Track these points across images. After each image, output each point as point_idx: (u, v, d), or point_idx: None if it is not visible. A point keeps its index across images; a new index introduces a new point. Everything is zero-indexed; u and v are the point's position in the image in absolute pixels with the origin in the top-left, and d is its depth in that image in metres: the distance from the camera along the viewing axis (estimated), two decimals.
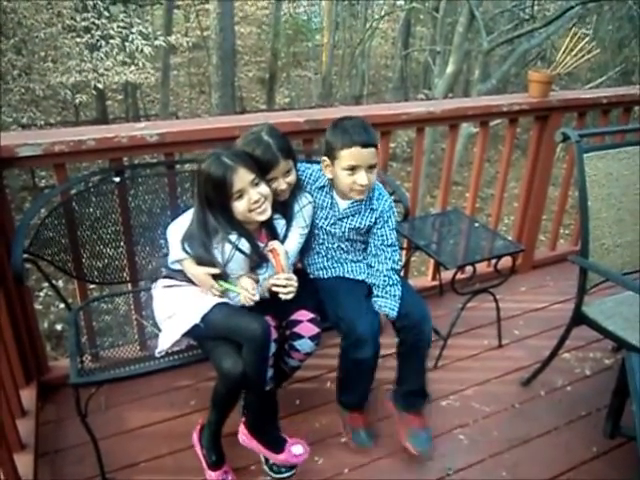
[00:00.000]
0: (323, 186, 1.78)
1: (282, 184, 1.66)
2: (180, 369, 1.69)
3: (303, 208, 1.74)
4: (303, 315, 1.69)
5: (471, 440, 1.91)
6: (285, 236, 1.71)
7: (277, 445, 1.66)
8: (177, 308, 1.62)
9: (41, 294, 6.17)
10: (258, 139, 1.63)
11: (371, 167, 1.67)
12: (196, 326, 1.56)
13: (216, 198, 1.55)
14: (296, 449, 1.66)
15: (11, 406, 1.71)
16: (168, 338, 1.59)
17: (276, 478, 1.72)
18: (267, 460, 1.74)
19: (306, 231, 1.76)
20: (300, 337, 1.67)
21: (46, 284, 1.73)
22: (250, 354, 1.52)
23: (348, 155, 1.64)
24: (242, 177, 1.53)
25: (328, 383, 2.13)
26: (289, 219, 1.72)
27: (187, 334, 1.58)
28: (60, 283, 5.34)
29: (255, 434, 1.66)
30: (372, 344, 1.66)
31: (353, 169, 1.65)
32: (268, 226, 1.67)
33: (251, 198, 1.55)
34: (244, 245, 1.60)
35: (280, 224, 1.71)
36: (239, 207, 1.56)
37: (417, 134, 2.42)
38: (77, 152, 1.78)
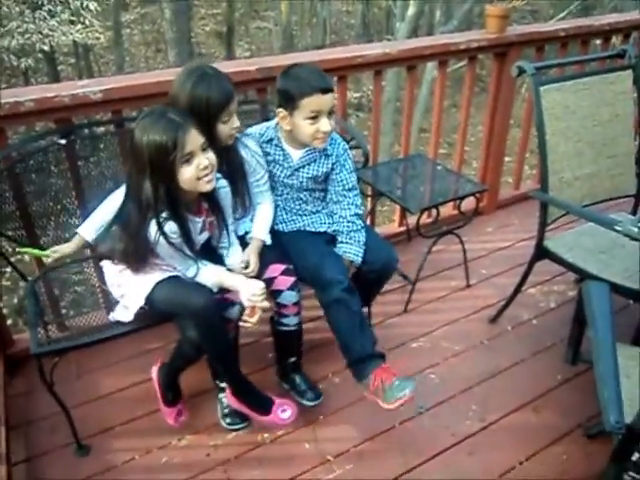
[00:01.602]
0: (271, 139, 1.73)
1: (236, 121, 1.56)
2: (150, 332, 1.67)
3: (254, 154, 1.68)
4: (275, 270, 1.66)
5: (442, 379, 1.96)
6: (235, 194, 1.64)
7: (263, 407, 1.67)
8: (125, 289, 1.57)
9: (8, 270, 6.01)
10: (206, 74, 1.51)
11: (330, 113, 1.63)
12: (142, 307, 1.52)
13: (160, 162, 1.35)
14: (284, 414, 1.68)
15: None
16: (123, 316, 1.57)
17: (231, 429, 1.75)
18: (223, 411, 1.77)
19: (265, 175, 1.72)
20: (280, 292, 1.66)
21: (12, 260, 1.70)
22: (197, 329, 1.49)
23: (310, 103, 1.58)
24: (194, 138, 1.37)
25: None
26: (240, 172, 1.66)
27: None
28: (26, 258, 5.21)
29: (239, 397, 1.66)
30: (341, 282, 1.61)
31: (315, 117, 1.60)
32: (208, 198, 1.54)
33: (200, 163, 1.39)
34: (171, 228, 1.44)
35: (222, 194, 1.58)
36: (185, 174, 1.38)
37: (375, 78, 2.36)
38: (16, 114, 1.68)
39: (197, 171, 1.40)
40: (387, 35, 12.55)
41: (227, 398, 1.70)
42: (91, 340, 1.55)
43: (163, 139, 1.34)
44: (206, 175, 1.42)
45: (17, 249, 1.67)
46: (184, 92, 1.49)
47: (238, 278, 1.57)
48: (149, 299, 1.50)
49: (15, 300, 5.76)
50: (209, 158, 1.42)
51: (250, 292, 1.50)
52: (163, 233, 1.42)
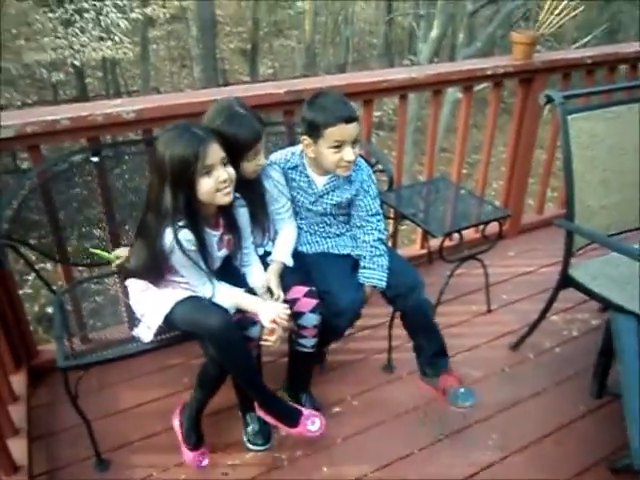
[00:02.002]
0: (296, 166, 1.75)
1: (262, 158, 1.62)
2: (171, 348, 1.68)
3: (277, 184, 1.71)
4: (298, 292, 1.67)
5: None
6: (254, 222, 1.68)
7: (291, 418, 1.64)
8: (145, 308, 1.60)
9: (30, 277, 6.12)
10: (236, 114, 1.54)
11: (355, 142, 1.65)
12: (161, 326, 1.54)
13: (182, 174, 1.40)
14: (313, 426, 1.63)
15: (1, 392, 1.70)
16: (145, 335, 1.59)
17: (253, 450, 1.75)
18: (246, 431, 1.77)
19: (287, 204, 1.74)
20: (302, 314, 1.66)
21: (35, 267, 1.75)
22: (215, 349, 1.50)
23: (334, 132, 1.60)
24: (214, 152, 1.42)
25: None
26: (261, 201, 1.69)
27: None
28: (48, 266, 5.29)
29: (266, 409, 1.64)
30: (350, 316, 1.70)
31: (339, 146, 1.62)
32: (226, 213, 1.57)
33: (219, 176, 1.44)
34: (186, 236, 1.46)
35: (241, 212, 1.62)
36: (205, 186, 1.43)
37: (400, 101, 2.37)
38: (51, 132, 1.73)
39: (216, 183, 1.44)
40: (409, 55, 12.65)
41: (257, 409, 1.67)
42: (116, 356, 1.56)
43: (186, 151, 1.39)
44: (225, 188, 1.47)
45: (90, 249, 1.75)
46: (212, 127, 1.52)
47: (256, 300, 1.58)
48: (168, 319, 1.52)
49: (36, 308, 5.84)
50: (228, 172, 1.47)
51: (273, 314, 1.52)
52: (178, 241, 1.44)
